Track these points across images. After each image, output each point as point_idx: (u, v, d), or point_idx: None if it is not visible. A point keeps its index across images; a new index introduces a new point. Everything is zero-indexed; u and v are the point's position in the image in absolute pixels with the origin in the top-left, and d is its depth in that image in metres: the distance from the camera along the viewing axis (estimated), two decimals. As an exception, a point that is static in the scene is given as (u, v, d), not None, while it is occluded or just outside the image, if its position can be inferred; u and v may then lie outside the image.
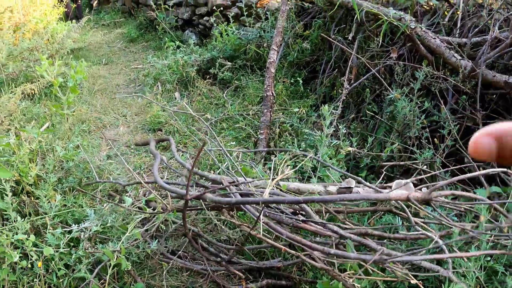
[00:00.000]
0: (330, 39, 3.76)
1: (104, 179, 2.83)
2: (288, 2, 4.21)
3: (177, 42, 5.01)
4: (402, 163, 2.61)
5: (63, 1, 7.39)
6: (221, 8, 5.61)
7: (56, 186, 2.68)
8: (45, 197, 2.41)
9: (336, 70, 3.93)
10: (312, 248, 1.44)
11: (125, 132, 3.75)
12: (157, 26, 6.77)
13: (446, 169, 2.54)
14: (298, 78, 3.87)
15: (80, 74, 3.28)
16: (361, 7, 3.69)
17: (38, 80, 4.16)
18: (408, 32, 3.26)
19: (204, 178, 2.18)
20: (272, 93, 3.35)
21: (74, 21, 6.41)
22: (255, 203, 1.53)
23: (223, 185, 1.80)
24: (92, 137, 3.65)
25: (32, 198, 2.55)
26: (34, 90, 3.67)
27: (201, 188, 1.97)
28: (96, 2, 9.15)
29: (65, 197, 2.59)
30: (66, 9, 7.69)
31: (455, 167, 2.59)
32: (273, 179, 1.51)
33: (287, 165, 1.85)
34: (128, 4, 8.79)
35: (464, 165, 2.65)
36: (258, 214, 1.49)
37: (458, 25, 3.59)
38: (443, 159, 2.68)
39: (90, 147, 3.40)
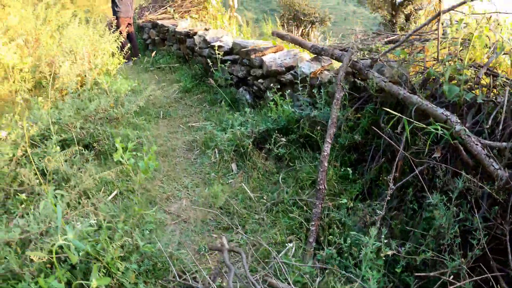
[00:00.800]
0: (379, 131, 4.33)
1: (173, 263, 3.49)
2: (342, 86, 4.80)
3: (236, 115, 5.68)
4: (431, 274, 3.16)
5: (123, 50, 8.21)
6: (276, 75, 6.30)
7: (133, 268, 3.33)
8: (129, 283, 3.09)
9: (384, 159, 4.49)
10: None
11: (188, 206, 4.41)
12: (211, 78, 7.45)
13: (471, 279, 3.09)
14: (348, 168, 4.45)
15: (152, 160, 3.92)
16: (410, 103, 4.27)
17: (109, 151, 4.90)
18: (452, 142, 3.79)
19: None
20: (324, 186, 3.94)
21: (137, 82, 7.16)
22: None
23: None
24: (157, 209, 4.32)
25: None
26: (111, 175, 4.34)
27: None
28: (153, 53, 9.94)
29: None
30: (124, 56, 8.49)
31: (479, 277, 3.14)
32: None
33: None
34: (183, 50, 9.58)
35: (491, 274, 3.18)
36: None
37: (501, 126, 4.07)
38: (467, 270, 3.21)
39: (157, 222, 4.09)
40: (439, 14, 4.77)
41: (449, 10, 4.90)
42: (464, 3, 4.79)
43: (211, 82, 7.02)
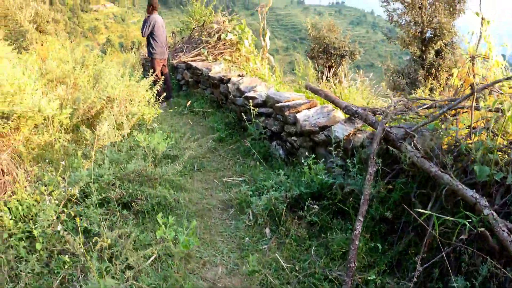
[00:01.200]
0: (409, 210, 4.70)
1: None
2: (375, 161, 5.19)
3: (270, 182, 6.12)
4: None
5: (159, 97, 8.74)
6: (309, 135, 6.73)
7: None
8: None
9: (413, 233, 4.87)
10: None
11: (223, 273, 4.79)
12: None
13: None
14: (378, 244, 4.84)
15: (192, 237, 4.36)
16: (442, 182, 4.63)
17: (147, 211, 5.35)
18: (478, 230, 4.15)
19: None
20: (354, 264, 4.32)
21: (173, 138, 7.62)
22: None
23: None
24: (195, 276, 4.74)
25: None
26: (154, 252, 4.76)
27: None
28: (188, 102, 10.42)
29: None
30: (160, 105, 9.01)
31: None
32: None
33: None
34: (217, 94, 10.11)
35: None
36: None
37: (528, 208, 4.40)
38: None
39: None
40: (473, 93, 5.14)
41: (483, 88, 5.27)
42: (499, 81, 5.19)
43: (246, 144, 7.48)
